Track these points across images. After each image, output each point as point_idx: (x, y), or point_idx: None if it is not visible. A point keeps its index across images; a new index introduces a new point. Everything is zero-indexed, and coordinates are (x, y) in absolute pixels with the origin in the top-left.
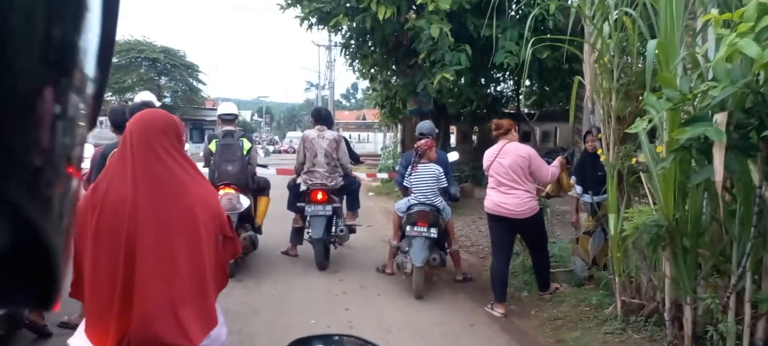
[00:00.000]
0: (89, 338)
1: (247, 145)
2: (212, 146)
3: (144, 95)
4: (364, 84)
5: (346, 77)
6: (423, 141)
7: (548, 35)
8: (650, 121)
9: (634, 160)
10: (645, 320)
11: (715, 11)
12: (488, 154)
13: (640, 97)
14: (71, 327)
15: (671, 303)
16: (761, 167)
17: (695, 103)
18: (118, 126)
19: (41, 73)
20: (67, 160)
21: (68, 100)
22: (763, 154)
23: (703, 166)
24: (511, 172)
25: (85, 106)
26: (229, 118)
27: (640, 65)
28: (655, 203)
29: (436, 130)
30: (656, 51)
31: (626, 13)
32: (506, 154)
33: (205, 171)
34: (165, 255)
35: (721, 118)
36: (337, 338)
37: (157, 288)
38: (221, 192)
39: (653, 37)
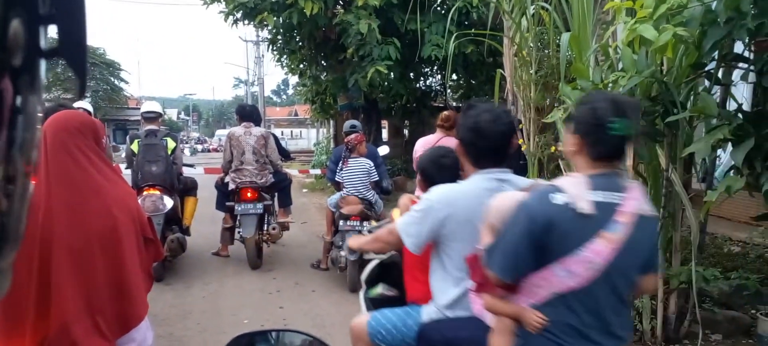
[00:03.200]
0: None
1: (171, 144)
2: (134, 146)
3: (79, 104)
4: (294, 80)
5: (276, 73)
6: (352, 136)
7: (472, 29)
8: (566, 110)
9: (553, 148)
10: None
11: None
12: (422, 142)
13: (558, 88)
14: None
15: None
16: (667, 152)
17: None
18: None
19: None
20: (26, 160)
21: (27, 96)
22: (668, 140)
23: None
24: None
25: (41, 108)
26: (152, 117)
27: (556, 58)
28: None
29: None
30: (569, 43)
31: (543, 8)
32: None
33: (128, 173)
34: (81, 260)
35: None
36: (275, 333)
37: (74, 294)
38: (145, 193)
39: (568, 30)
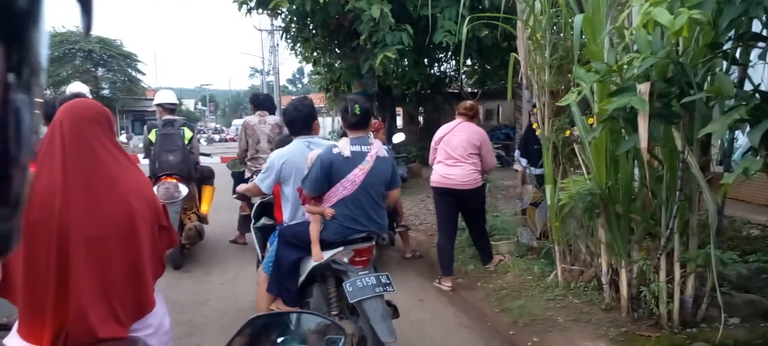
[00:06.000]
0: (23, 336)
1: (188, 133)
2: (152, 136)
3: (75, 86)
4: (309, 68)
5: (291, 62)
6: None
7: (485, 13)
8: (580, 93)
9: (567, 132)
10: (584, 286)
11: None
12: (442, 129)
13: (572, 72)
14: (8, 328)
15: (608, 267)
16: (683, 133)
17: (622, 75)
18: (49, 118)
19: None
20: (28, 150)
21: (27, 79)
22: (684, 121)
23: (631, 135)
24: (462, 146)
25: (40, 94)
26: (169, 107)
27: (571, 40)
28: (588, 173)
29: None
30: (583, 25)
31: None
32: (462, 130)
33: (145, 162)
34: (98, 248)
35: (644, 88)
36: (291, 315)
37: (91, 281)
38: (160, 182)
39: (582, 12)
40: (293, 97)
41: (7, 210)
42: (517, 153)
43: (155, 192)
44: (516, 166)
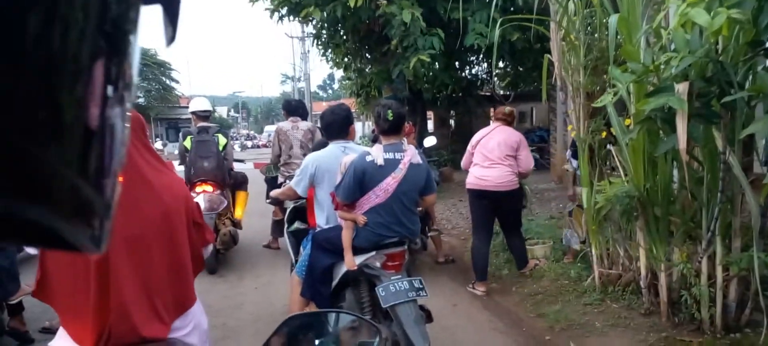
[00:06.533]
0: (71, 336)
1: (222, 140)
2: (187, 143)
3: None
4: (339, 74)
5: (322, 68)
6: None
7: (517, 15)
8: (616, 94)
9: (604, 133)
10: (622, 290)
11: None
12: (479, 133)
13: (607, 72)
14: (53, 332)
15: (646, 271)
16: (724, 134)
17: (659, 75)
18: None
19: (95, 40)
20: (119, 161)
21: (121, 93)
22: (725, 121)
23: (669, 136)
24: (499, 148)
25: (131, 106)
26: (204, 114)
27: (606, 41)
28: (626, 175)
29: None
30: (618, 25)
31: None
32: (500, 133)
33: (181, 169)
34: (138, 247)
35: (682, 87)
36: (327, 315)
37: (133, 280)
38: (201, 191)
39: (617, 12)
40: (324, 103)
41: (99, 215)
42: (568, 153)
43: (198, 202)
44: (566, 167)
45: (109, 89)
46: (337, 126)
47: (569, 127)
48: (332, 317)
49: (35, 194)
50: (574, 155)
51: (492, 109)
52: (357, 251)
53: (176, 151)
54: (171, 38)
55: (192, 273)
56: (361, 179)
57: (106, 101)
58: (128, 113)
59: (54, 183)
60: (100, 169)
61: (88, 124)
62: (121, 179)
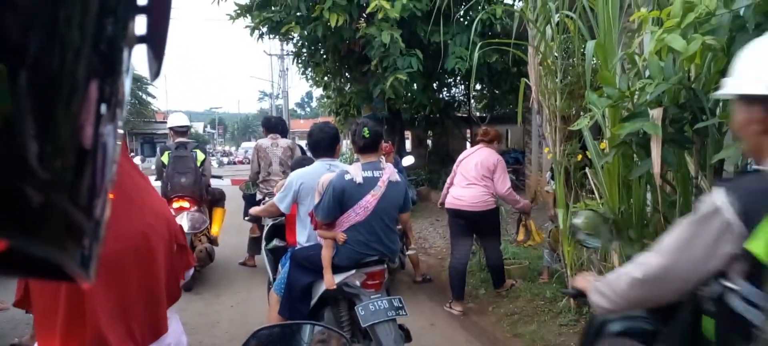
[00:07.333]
0: None
1: (200, 156)
2: (164, 158)
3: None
4: (318, 92)
5: (300, 86)
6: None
7: (496, 39)
8: (592, 118)
9: (579, 156)
10: None
11: (645, 10)
12: (464, 153)
13: (584, 97)
14: None
15: None
16: (696, 159)
17: (634, 100)
18: None
19: (91, 59)
20: (110, 178)
21: (114, 111)
22: (697, 147)
23: (643, 160)
24: (476, 169)
25: (122, 124)
26: (182, 130)
27: (582, 66)
28: (601, 197)
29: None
30: (595, 51)
31: (568, 16)
32: (479, 154)
33: (157, 184)
34: (115, 268)
35: (656, 113)
36: (293, 326)
37: (108, 301)
38: (182, 209)
39: (593, 38)
40: (301, 121)
41: (89, 237)
42: (548, 175)
43: (181, 222)
44: (547, 189)
45: (103, 107)
46: (325, 144)
47: (545, 150)
48: (301, 328)
49: (28, 226)
50: (553, 177)
51: (468, 131)
52: (337, 269)
53: (153, 166)
54: (155, 73)
55: (166, 298)
56: (340, 198)
57: (99, 119)
58: (120, 131)
59: (47, 212)
60: (92, 189)
61: (82, 144)
62: (111, 195)
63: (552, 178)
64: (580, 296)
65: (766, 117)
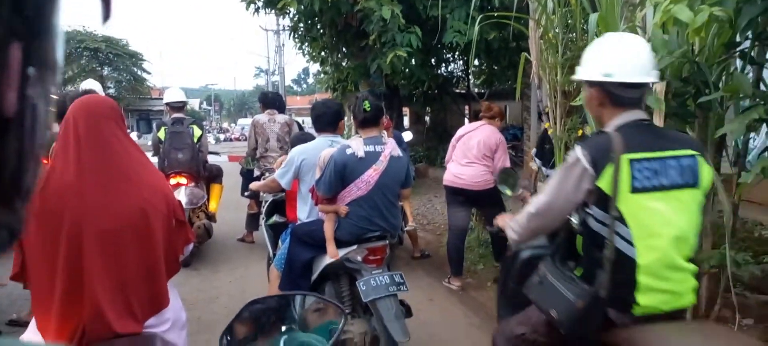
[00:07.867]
0: (41, 331)
1: (197, 132)
2: (161, 134)
3: (87, 83)
4: (315, 68)
5: (296, 62)
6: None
7: (495, 13)
8: None
9: (580, 131)
10: None
11: None
12: (463, 129)
13: None
14: (21, 324)
15: None
16: (699, 134)
17: None
18: (59, 115)
19: (11, 21)
20: (41, 144)
21: (43, 74)
22: (700, 121)
23: None
24: (477, 147)
25: (55, 89)
26: (178, 105)
27: (583, 40)
28: None
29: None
30: (597, 25)
31: None
32: (482, 132)
33: (154, 160)
34: (113, 243)
35: (659, 87)
36: (292, 296)
37: (107, 276)
38: (180, 185)
39: (595, 11)
40: (298, 98)
41: (18, 203)
42: (534, 151)
43: (179, 196)
44: (532, 165)
45: (30, 70)
46: (327, 119)
47: (546, 125)
48: (295, 299)
49: None
50: (539, 154)
51: (467, 107)
52: (339, 243)
53: (149, 143)
54: (106, 16)
55: (165, 273)
56: (341, 172)
57: (26, 81)
58: (52, 96)
59: None
60: (20, 153)
61: (2, 109)
62: (45, 161)
63: (537, 155)
64: (501, 232)
65: (602, 95)
